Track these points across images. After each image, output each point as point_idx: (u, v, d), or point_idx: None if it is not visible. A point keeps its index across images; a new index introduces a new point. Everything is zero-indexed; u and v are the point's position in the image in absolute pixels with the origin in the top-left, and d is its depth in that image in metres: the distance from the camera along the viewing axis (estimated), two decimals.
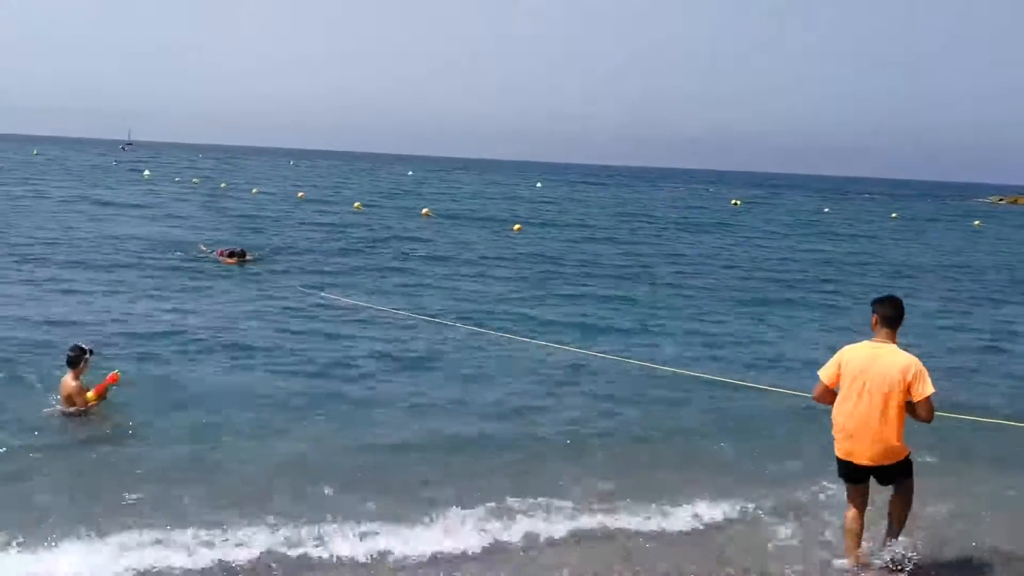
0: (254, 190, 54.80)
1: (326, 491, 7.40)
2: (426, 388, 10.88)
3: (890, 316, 6.17)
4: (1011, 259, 33.32)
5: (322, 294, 16.04)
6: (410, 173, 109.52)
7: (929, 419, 5.99)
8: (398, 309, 14.14)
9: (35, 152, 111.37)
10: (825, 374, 6.26)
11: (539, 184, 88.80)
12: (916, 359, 6.02)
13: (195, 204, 41.09)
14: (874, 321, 6.24)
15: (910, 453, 6.23)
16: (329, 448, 8.58)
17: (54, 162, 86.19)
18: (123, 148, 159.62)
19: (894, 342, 6.12)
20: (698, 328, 16.02)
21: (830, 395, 6.27)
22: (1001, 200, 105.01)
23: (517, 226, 35.97)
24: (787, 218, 54.14)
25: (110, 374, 9.19)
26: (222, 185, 57.54)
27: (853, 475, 6.27)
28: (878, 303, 6.29)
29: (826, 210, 65.28)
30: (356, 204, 44.96)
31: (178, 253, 22.62)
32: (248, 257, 21.34)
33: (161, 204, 39.86)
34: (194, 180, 62.55)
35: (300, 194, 50.26)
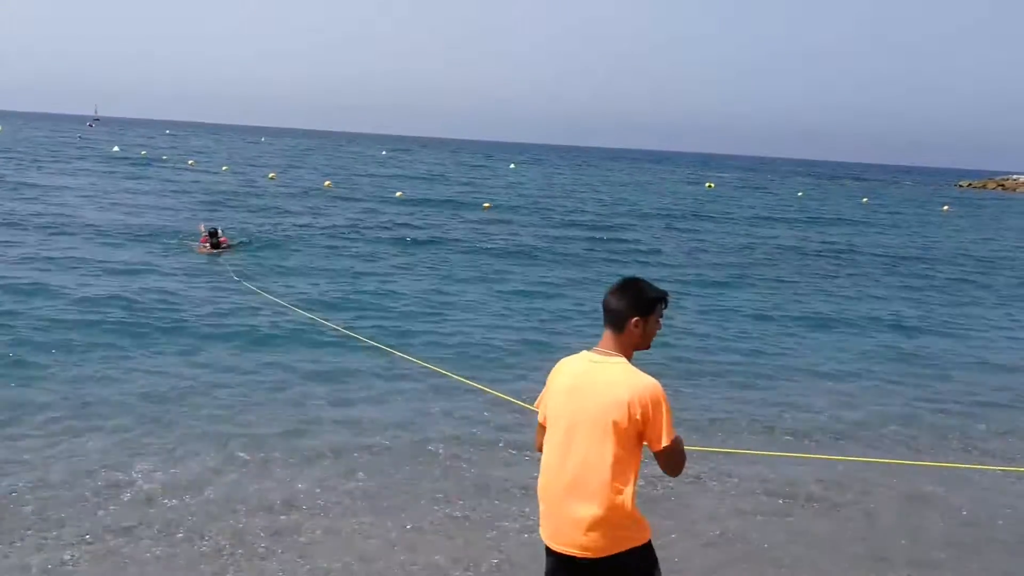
0: (224, 167, 53.95)
1: None
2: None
3: (613, 310, 3.63)
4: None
5: (276, 298, 14.46)
6: (384, 152, 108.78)
7: (675, 473, 3.65)
8: (345, 327, 12.51)
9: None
10: (541, 408, 3.82)
11: (512, 166, 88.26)
12: (653, 383, 3.50)
13: (162, 182, 40.27)
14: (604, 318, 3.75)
15: (650, 539, 3.64)
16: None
17: (13, 136, 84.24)
18: (90, 124, 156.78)
19: (623, 354, 3.62)
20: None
21: None
22: (970, 185, 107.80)
23: (487, 204, 36.56)
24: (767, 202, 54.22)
25: None
26: (190, 163, 56.51)
27: (557, 573, 3.66)
28: (609, 292, 3.73)
29: (800, 194, 65.70)
30: (327, 183, 44.49)
31: (141, 233, 22.04)
32: (224, 245, 19.64)
33: (128, 182, 39.05)
34: (163, 157, 61.48)
35: (271, 174, 49.40)
